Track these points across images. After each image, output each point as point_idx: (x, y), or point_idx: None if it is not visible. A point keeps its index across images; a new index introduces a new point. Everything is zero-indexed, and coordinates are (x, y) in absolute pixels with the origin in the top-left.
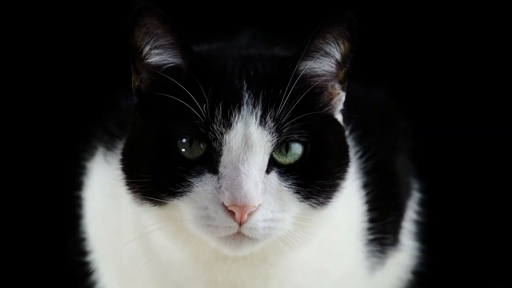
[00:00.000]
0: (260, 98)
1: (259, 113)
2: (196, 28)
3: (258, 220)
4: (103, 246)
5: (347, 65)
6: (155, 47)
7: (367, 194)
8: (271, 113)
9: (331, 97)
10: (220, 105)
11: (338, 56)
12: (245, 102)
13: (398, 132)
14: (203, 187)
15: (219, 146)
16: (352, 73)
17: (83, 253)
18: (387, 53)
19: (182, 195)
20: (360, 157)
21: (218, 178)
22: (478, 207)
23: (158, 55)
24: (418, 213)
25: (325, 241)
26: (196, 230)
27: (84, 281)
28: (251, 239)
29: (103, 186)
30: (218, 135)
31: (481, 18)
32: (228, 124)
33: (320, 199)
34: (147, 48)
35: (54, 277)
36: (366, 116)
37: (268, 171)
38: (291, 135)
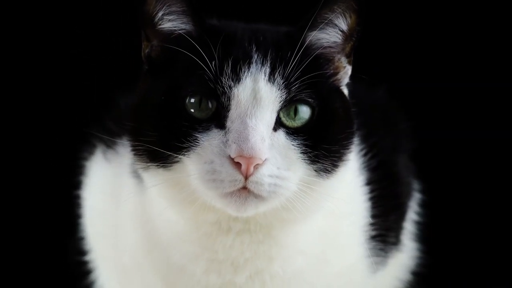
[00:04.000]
0: (269, 57)
1: (268, 70)
2: None
3: (264, 175)
4: (102, 245)
5: (353, 39)
6: (167, 14)
7: (370, 191)
8: (280, 71)
9: (337, 70)
10: (230, 61)
11: (345, 27)
12: (254, 61)
13: (399, 133)
14: (209, 142)
15: (227, 100)
16: (352, 72)
17: (82, 252)
18: (388, 53)
19: (188, 150)
20: (364, 155)
21: (225, 133)
22: (478, 207)
23: (170, 21)
24: (418, 213)
25: (327, 229)
26: (201, 186)
27: (83, 280)
28: (256, 197)
29: (102, 184)
30: (227, 89)
31: (481, 17)
32: (237, 79)
33: (326, 165)
34: (159, 15)
35: (53, 276)
36: (368, 116)
37: (275, 129)
38: (299, 94)
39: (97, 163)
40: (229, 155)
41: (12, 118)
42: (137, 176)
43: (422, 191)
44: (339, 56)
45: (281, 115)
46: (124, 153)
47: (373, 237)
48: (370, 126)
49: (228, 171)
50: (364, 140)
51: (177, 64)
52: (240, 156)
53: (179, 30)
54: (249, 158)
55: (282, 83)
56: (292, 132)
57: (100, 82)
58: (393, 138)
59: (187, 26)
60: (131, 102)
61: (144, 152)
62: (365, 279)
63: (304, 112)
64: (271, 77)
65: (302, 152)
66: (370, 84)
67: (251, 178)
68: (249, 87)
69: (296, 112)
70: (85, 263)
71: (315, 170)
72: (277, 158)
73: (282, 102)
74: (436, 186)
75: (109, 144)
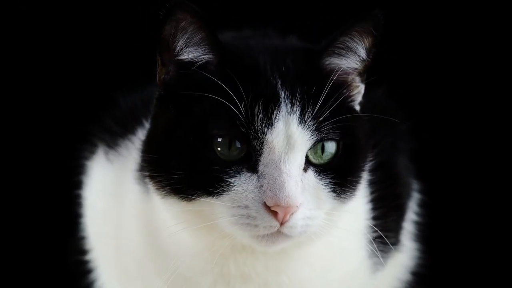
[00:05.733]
0: (297, 96)
1: (298, 111)
2: None
3: (298, 219)
4: (103, 245)
5: (369, 59)
6: (187, 44)
7: (370, 193)
8: (309, 111)
9: (352, 91)
10: (260, 103)
11: (363, 54)
12: (283, 100)
13: (398, 133)
14: (243, 187)
15: (259, 145)
16: None
17: (83, 251)
18: (387, 52)
19: (220, 194)
20: None
21: (258, 177)
22: (478, 207)
23: (190, 53)
24: (418, 214)
25: (332, 239)
26: (232, 228)
27: (83, 280)
28: (287, 236)
29: (104, 184)
30: (260, 134)
31: (480, 17)
32: (269, 123)
33: (350, 194)
34: (179, 45)
35: (53, 276)
36: (368, 117)
37: (305, 169)
38: (328, 134)
39: (98, 163)
40: (265, 202)
41: (12, 118)
42: (142, 183)
43: (422, 191)
44: (353, 76)
45: (309, 153)
46: (126, 155)
47: (374, 239)
48: (371, 126)
49: (264, 217)
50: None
51: (201, 97)
52: (278, 205)
53: (200, 60)
54: (287, 207)
55: (313, 124)
56: (320, 170)
57: (100, 82)
58: (393, 139)
59: (208, 56)
60: (149, 127)
61: (166, 186)
62: (366, 280)
63: (330, 148)
64: (302, 119)
65: (331, 190)
66: (370, 84)
67: (286, 224)
68: (282, 132)
69: (323, 149)
70: (85, 262)
71: (340, 201)
72: (309, 200)
73: (312, 143)
74: (436, 186)
75: (111, 145)
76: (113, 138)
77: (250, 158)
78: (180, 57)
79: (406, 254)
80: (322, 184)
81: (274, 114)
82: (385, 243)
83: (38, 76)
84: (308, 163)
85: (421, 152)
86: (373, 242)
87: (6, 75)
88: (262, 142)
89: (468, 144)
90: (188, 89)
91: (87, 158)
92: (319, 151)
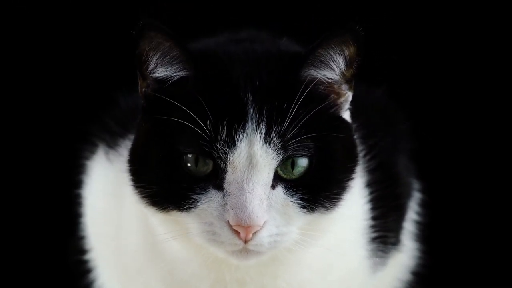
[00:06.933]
0: (264, 114)
1: (264, 130)
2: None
3: (263, 237)
4: (103, 244)
5: (354, 67)
6: (160, 64)
7: (370, 193)
8: (276, 130)
9: (336, 98)
10: (225, 123)
11: (343, 65)
12: (249, 119)
13: (398, 133)
14: (208, 204)
15: (223, 164)
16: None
17: (83, 251)
18: (387, 53)
19: (187, 210)
20: (364, 156)
21: (224, 195)
22: (478, 207)
23: (163, 72)
24: (418, 213)
25: (331, 237)
26: (202, 243)
27: (83, 279)
28: (258, 253)
29: (104, 184)
30: (222, 154)
31: (480, 17)
32: (232, 143)
33: (329, 205)
34: (152, 63)
35: (53, 275)
36: (367, 117)
37: (273, 186)
38: (296, 151)
39: (98, 163)
40: (228, 220)
41: (12, 118)
42: None
43: (422, 191)
44: (338, 84)
45: (279, 170)
46: (126, 155)
47: (374, 239)
48: (369, 127)
49: (228, 235)
50: (364, 141)
51: (173, 113)
52: (239, 225)
53: (174, 77)
54: (247, 227)
55: (279, 143)
56: (290, 186)
57: (100, 82)
58: (393, 139)
59: (182, 73)
60: (134, 136)
61: (144, 197)
62: (366, 280)
63: (302, 162)
64: (267, 138)
65: (302, 207)
66: (370, 84)
67: (250, 242)
68: (244, 152)
69: (293, 165)
70: (85, 262)
71: (316, 216)
72: (276, 218)
73: (279, 161)
74: (436, 186)
75: (111, 145)
76: (113, 138)
77: (217, 175)
78: (155, 75)
79: (406, 254)
80: (291, 201)
81: (238, 134)
82: (385, 243)
83: (38, 76)
84: (278, 179)
85: (421, 152)
86: (373, 242)
87: (6, 75)
88: (225, 161)
89: (468, 144)
90: (161, 104)
91: (87, 158)
92: (289, 167)
